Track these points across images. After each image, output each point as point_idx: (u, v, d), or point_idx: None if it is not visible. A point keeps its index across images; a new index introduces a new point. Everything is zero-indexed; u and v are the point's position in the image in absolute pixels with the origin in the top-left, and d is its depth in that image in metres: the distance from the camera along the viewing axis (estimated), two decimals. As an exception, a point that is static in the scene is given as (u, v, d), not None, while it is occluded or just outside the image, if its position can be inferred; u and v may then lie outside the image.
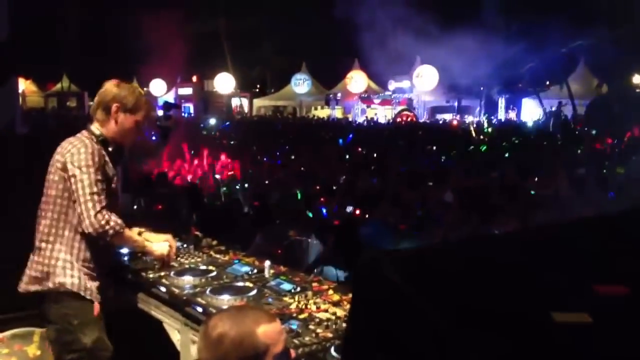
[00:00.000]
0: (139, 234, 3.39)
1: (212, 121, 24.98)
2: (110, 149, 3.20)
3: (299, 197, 8.07)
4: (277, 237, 5.49)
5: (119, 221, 3.09)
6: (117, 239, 3.14)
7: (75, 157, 3.04)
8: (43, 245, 3.10)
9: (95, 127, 3.22)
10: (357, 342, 1.39)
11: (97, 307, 3.12)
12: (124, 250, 3.92)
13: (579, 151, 13.30)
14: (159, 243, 3.44)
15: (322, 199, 7.75)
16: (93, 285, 3.13)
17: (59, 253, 3.07)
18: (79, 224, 3.05)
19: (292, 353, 2.16)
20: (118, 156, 3.28)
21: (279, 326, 2.05)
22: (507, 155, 13.07)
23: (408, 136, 18.30)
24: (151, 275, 3.47)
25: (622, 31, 23.45)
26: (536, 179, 8.97)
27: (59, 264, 3.06)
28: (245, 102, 36.39)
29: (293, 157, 13.85)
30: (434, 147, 14.85)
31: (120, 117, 3.21)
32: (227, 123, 24.98)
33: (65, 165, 3.05)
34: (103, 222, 2.99)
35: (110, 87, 3.24)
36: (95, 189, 3.00)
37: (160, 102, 36.29)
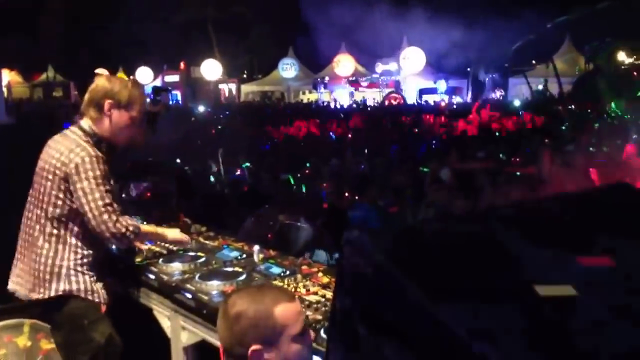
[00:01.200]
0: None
1: (201, 108, 24.84)
2: (103, 149, 3.08)
3: (292, 181, 8.06)
4: (267, 221, 5.48)
5: (134, 222, 3.11)
6: (136, 239, 3.21)
7: (81, 168, 2.92)
8: (44, 252, 3.02)
9: (88, 125, 3.08)
10: (340, 317, 1.38)
11: (103, 305, 3.12)
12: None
13: (563, 128, 13.32)
14: (172, 230, 3.54)
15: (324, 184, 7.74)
16: (98, 286, 3.11)
17: (61, 260, 3.01)
18: (84, 230, 3.02)
19: (312, 334, 2.16)
20: (111, 155, 3.15)
21: (298, 306, 2.04)
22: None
23: (396, 118, 18.27)
24: (139, 262, 3.46)
25: (606, 5, 23.40)
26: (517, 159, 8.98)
27: (63, 271, 3.01)
28: (233, 88, 36.21)
29: (281, 141, 13.83)
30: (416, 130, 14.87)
31: (115, 115, 3.08)
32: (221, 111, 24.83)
33: (70, 176, 2.94)
34: (123, 230, 2.98)
35: (101, 82, 3.10)
36: (107, 200, 2.94)
37: (148, 91, 36.24)
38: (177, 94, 32.93)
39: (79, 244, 3.05)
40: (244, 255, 3.50)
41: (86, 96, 3.13)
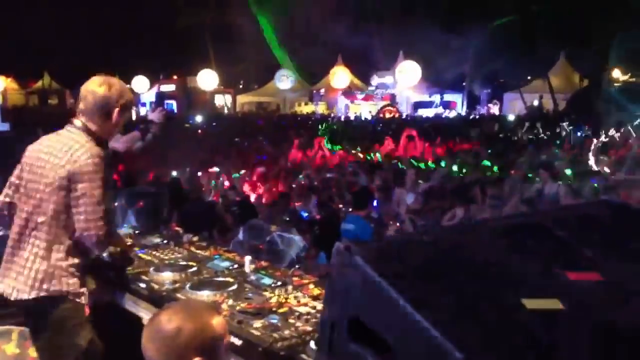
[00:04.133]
0: None
1: (198, 118, 24.86)
2: (105, 149, 3.07)
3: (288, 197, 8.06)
4: (259, 232, 5.47)
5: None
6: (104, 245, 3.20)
7: (85, 169, 2.90)
8: (40, 252, 2.98)
9: (86, 125, 3.04)
10: (330, 328, 1.38)
11: (87, 308, 3.10)
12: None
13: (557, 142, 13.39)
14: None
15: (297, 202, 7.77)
16: (85, 289, 3.10)
17: (56, 261, 2.99)
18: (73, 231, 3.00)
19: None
20: (105, 148, 3.12)
21: (224, 318, 2.11)
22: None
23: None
24: (130, 271, 3.45)
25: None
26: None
27: (57, 272, 2.99)
28: (229, 98, 36.23)
29: (277, 153, 13.85)
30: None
31: (117, 117, 3.09)
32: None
33: (68, 173, 2.91)
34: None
35: (104, 91, 3.04)
36: (103, 206, 2.95)
37: (143, 100, 36.20)
38: (173, 103, 32.92)
39: (73, 247, 3.03)
40: (235, 266, 3.49)
41: (90, 99, 3.05)
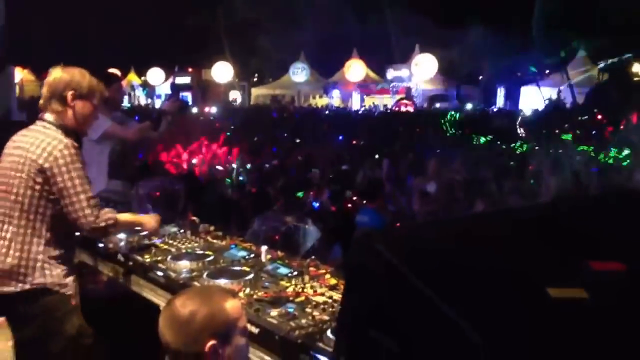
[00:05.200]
0: None
1: (213, 110, 24.90)
2: (72, 139, 3.06)
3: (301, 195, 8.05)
4: (274, 223, 5.48)
5: (112, 214, 3.13)
6: (115, 229, 3.24)
7: (62, 161, 2.93)
8: (18, 246, 2.99)
9: (53, 118, 3.07)
10: (350, 319, 1.38)
11: (72, 299, 3.11)
12: (121, 236, 3.93)
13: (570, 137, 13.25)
14: (149, 218, 3.59)
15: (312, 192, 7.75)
16: (69, 280, 3.11)
17: (37, 254, 3.00)
18: (58, 223, 3.02)
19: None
20: (79, 143, 3.13)
21: (239, 302, 2.13)
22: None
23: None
24: (148, 260, 3.47)
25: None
26: None
27: (38, 264, 3.00)
28: (239, 93, 36.29)
29: (292, 145, 13.84)
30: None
31: (78, 105, 3.08)
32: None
33: (44, 167, 2.93)
34: (102, 225, 3.05)
35: (58, 74, 3.09)
36: (89, 194, 2.99)
37: (158, 92, 36.37)
38: (188, 95, 33.02)
39: (53, 237, 3.04)
40: (252, 255, 3.50)
41: (45, 89, 3.11)
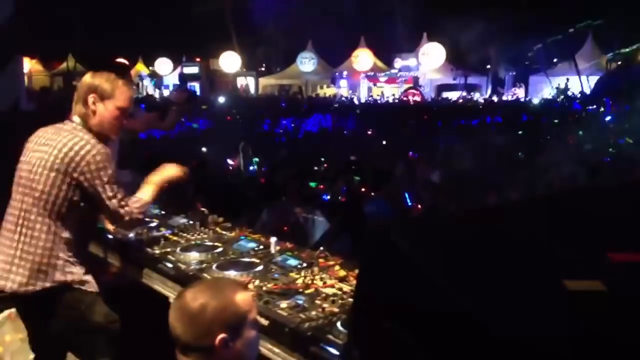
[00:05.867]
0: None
1: (221, 99, 24.88)
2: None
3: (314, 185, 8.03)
4: (283, 214, 5.48)
5: (139, 203, 3.17)
6: (146, 213, 3.39)
7: (93, 166, 2.94)
8: (41, 244, 2.98)
9: (79, 120, 3.08)
10: (364, 309, 1.37)
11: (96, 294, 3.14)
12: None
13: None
14: (166, 169, 3.43)
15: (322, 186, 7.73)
16: (89, 277, 3.11)
17: (58, 252, 3.00)
18: (78, 224, 3.04)
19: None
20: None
21: (251, 294, 2.14)
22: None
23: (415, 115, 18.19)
24: (157, 251, 3.47)
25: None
26: None
27: (59, 262, 3.00)
28: (251, 80, 36.24)
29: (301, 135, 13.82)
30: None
31: (100, 108, 3.08)
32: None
33: (75, 169, 2.94)
34: (137, 217, 3.17)
35: (85, 79, 3.13)
36: (119, 195, 3.03)
37: (166, 82, 36.37)
38: (196, 85, 33.02)
39: (72, 237, 3.04)
40: (261, 247, 3.49)
41: (75, 93, 3.16)
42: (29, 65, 32.55)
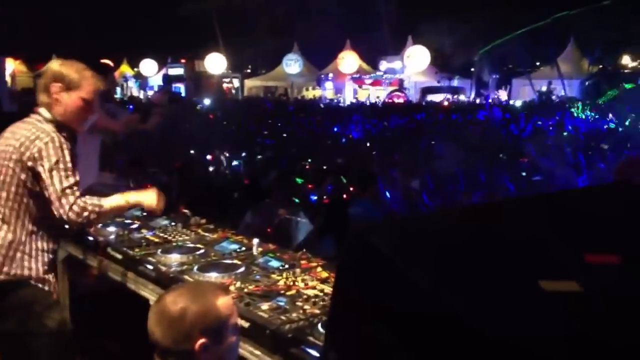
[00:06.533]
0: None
1: (206, 101, 24.81)
2: (64, 134, 2.99)
3: (299, 181, 8.02)
4: (267, 215, 5.46)
5: (95, 201, 2.96)
6: (101, 218, 3.07)
7: (44, 152, 2.87)
8: (2, 235, 2.94)
9: (44, 111, 3.02)
10: (342, 313, 1.36)
11: (54, 294, 3.07)
12: (111, 229, 3.89)
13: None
14: (146, 193, 3.22)
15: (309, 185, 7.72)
16: (49, 276, 3.06)
17: (18, 245, 2.95)
18: (42, 217, 2.97)
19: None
20: (73, 140, 3.06)
21: (231, 299, 2.12)
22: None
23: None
24: (138, 253, 3.44)
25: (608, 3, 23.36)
26: None
27: (18, 255, 2.95)
28: (236, 82, 36.16)
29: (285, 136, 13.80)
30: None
31: (64, 97, 3.01)
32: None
33: (28, 158, 2.89)
34: (79, 211, 2.88)
35: (51, 65, 3.05)
36: (65, 184, 2.87)
37: (151, 83, 36.19)
38: (181, 86, 32.88)
39: (36, 230, 2.99)
40: (243, 248, 3.48)
41: (39, 81, 3.08)
42: (12, 66, 32.25)
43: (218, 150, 10.93)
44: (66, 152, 2.93)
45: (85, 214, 2.90)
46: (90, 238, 3.81)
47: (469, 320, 1.13)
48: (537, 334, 1.12)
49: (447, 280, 1.22)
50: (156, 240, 3.72)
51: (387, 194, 7.15)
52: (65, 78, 3.01)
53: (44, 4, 31.18)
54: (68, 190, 2.88)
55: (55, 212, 2.90)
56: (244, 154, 10.89)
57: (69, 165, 2.92)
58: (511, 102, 26.42)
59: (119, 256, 3.51)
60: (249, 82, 37.02)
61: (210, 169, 9.78)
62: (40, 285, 3.00)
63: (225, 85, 35.05)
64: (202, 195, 6.71)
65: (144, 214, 4.32)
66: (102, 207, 2.97)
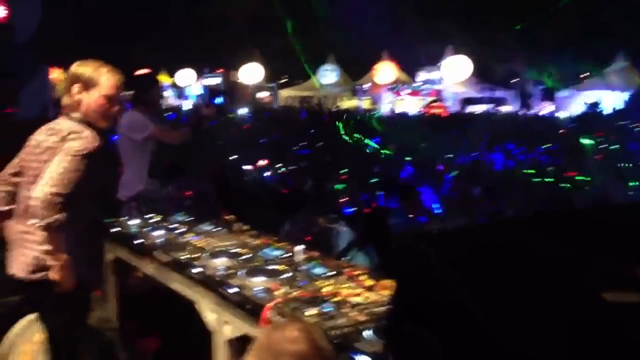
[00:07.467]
0: None
1: (242, 111, 25.04)
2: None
3: (340, 187, 8.04)
4: (305, 224, 5.49)
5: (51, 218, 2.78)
6: (51, 232, 2.81)
7: (74, 143, 2.89)
8: (40, 237, 2.88)
9: (71, 112, 3.06)
10: (391, 312, 1.38)
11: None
12: (157, 233, 3.97)
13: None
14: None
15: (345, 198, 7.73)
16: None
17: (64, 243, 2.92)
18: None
19: None
20: (101, 137, 3.05)
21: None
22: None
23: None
24: (184, 256, 3.50)
25: None
26: None
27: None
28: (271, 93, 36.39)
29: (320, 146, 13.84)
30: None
31: (85, 97, 3.04)
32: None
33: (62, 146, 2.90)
34: (53, 204, 2.76)
35: (70, 69, 3.09)
36: (67, 177, 2.81)
37: (187, 93, 36.63)
38: (221, 99, 33.13)
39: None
40: (287, 254, 3.51)
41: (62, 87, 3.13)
42: (55, 74, 33.00)
43: (254, 160, 11.04)
44: (89, 150, 2.90)
45: (52, 212, 2.76)
46: (137, 241, 3.88)
47: (508, 331, 1.14)
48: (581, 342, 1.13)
49: (493, 294, 1.24)
50: (201, 244, 3.78)
51: (433, 202, 7.11)
52: (83, 78, 3.05)
53: (85, 15, 31.82)
54: (64, 182, 2.80)
55: (33, 199, 2.79)
56: (280, 165, 10.98)
57: (83, 165, 2.88)
58: (556, 114, 25.85)
59: (166, 259, 3.57)
60: (284, 92, 37.20)
61: (246, 178, 9.88)
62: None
63: (263, 95, 35.27)
64: (240, 203, 6.78)
65: (189, 219, 4.40)
66: (60, 231, 2.83)
